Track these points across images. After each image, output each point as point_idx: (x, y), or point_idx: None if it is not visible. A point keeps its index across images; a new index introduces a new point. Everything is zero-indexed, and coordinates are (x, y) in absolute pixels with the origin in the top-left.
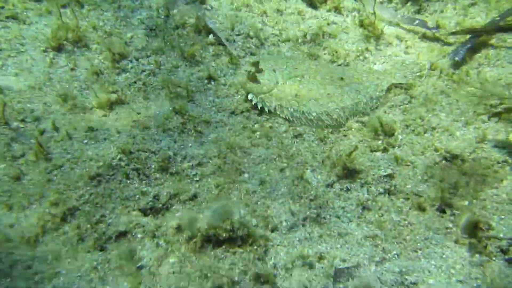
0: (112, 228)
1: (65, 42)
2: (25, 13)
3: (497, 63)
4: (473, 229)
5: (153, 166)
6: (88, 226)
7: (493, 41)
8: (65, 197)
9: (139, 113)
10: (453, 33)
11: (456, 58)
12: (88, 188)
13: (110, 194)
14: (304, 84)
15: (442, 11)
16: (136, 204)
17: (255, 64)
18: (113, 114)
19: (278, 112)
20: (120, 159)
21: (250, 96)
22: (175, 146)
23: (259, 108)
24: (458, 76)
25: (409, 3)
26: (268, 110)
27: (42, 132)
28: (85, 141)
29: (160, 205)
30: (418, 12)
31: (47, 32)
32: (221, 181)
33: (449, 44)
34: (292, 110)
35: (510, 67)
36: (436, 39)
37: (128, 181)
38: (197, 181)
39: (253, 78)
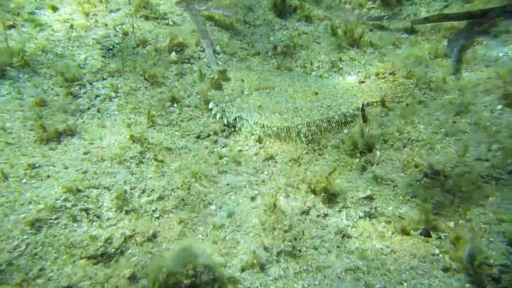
0: (52, 284)
1: (8, 68)
2: None
3: (474, 67)
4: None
5: (105, 205)
6: (24, 283)
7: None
8: None
9: (91, 144)
10: (426, 19)
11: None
12: (25, 237)
13: (52, 242)
14: (272, 96)
15: (415, 15)
16: (84, 252)
17: (222, 72)
18: (61, 147)
19: (237, 124)
20: (65, 199)
21: (210, 105)
22: (132, 179)
23: (217, 118)
24: (436, 84)
25: (381, 9)
26: (227, 121)
27: None
28: (24, 180)
29: (113, 250)
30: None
31: None
32: (184, 216)
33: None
34: (252, 122)
35: (488, 71)
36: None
37: (75, 225)
38: (157, 218)
39: (216, 86)
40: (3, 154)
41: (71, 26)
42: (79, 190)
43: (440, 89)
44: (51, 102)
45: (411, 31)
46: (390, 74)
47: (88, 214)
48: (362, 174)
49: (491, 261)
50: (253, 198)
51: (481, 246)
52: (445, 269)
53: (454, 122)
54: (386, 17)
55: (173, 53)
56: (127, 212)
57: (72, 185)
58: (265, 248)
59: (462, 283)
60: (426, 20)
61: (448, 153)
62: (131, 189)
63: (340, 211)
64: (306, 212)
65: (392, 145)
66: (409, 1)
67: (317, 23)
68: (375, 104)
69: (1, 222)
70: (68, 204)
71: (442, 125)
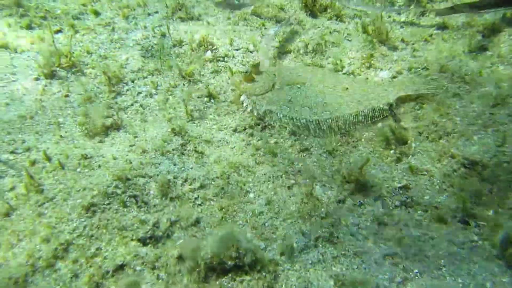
0: (108, 262)
1: (58, 69)
2: (16, 41)
3: (511, 60)
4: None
5: (152, 192)
6: (83, 260)
7: (505, 37)
8: (57, 231)
9: (136, 137)
10: (452, 8)
11: None
12: (82, 219)
13: (106, 225)
14: (302, 91)
15: None
16: (134, 234)
17: (255, 65)
18: (109, 140)
19: (266, 117)
20: (116, 187)
21: (242, 98)
22: (175, 169)
23: (248, 111)
24: (470, 77)
25: (412, 5)
26: (257, 113)
27: (33, 163)
28: (79, 169)
29: (160, 233)
30: (423, 14)
31: (39, 60)
32: (225, 203)
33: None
34: (281, 115)
35: None
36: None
37: (125, 210)
38: (199, 205)
39: (249, 79)
40: (59, 147)
41: (113, 29)
42: (127, 179)
43: (475, 82)
44: (98, 99)
45: (443, 26)
46: (423, 69)
47: (136, 200)
48: (397, 165)
49: None
50: (289, 187)
51: None
52: (486, 256)
53: (491, 113)
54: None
55: (209, 52)
56: (171, 199)
57: (121, 174)
58: (303, 234)
59: (504, 269)
60: (453, 9)
61: (485, 144)
62: (174, 178)
63: (375, 200)
64: (342, 201)
65: (427, 137)
66: None
67: (348, 21)
68: (408, 98)
69: (61, 207)
70: (119, 191)
71: (479, 117)
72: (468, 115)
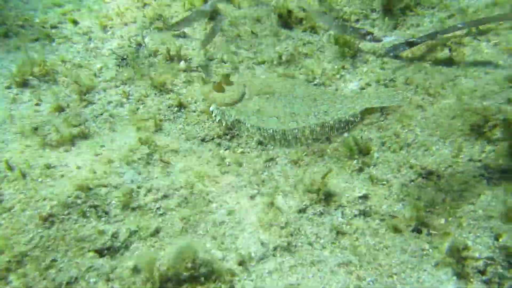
0: (63, 274)
1: (30, 77)
2: None
3: (474, 73)
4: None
5: (113, 202)
6: (36, 273)
7: (468, 51)
8: (12, 243)
9: (103, 146)
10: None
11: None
12: (39, 230)
13: (63, 236)
14: (271, 101)
15: (418, 25)
16: (92, 245)
17: (226, 76)
18: (75, 149)
19: (235, 127)
20: (76, 197)
21: (211, 108)
22: (139, 179)
23: (217, 121)
24: (434, 89)
25: (386, 18)
26: (226, 123)
27: None
28: (40, 179)
29: (119, 243)
30: (395, 27)
31: (12, 68)
32: (186, 213)
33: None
34: (248, 125)
35: (487, 78)
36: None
37: (85, 220)
38: (161, 215)
39: (219, 89)
40: (23, 156)
41: (90, 38)
42: (89, 188)
43: (438, 94)
44: (68, 108)
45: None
46: (390, 81)
47: (97, 210)
48: (359, 175)
49: (477, 254)
50: (252, 197)
51: (466, 241)
52: (435, 263)
53: (449, 125)
54: (351, 28)
55: (182, 62)
56: (133, 209)
57: (83, 184)
58: (262, 244)
59: (449, 276)
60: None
61: (442, 155)
62: (137, 187)
63: (335, 209)
64: (302, 210)
65: (389, 147)
66: (412, 11)
67: (322, 33)
68: (374, 109)
69: (18, 217)
70: (79, 201)
71: (438, 128)
72: (428, 126)
